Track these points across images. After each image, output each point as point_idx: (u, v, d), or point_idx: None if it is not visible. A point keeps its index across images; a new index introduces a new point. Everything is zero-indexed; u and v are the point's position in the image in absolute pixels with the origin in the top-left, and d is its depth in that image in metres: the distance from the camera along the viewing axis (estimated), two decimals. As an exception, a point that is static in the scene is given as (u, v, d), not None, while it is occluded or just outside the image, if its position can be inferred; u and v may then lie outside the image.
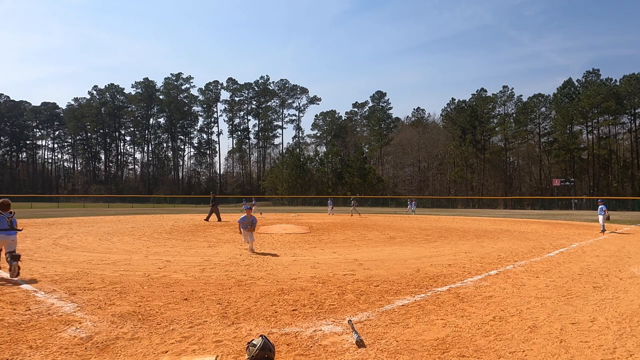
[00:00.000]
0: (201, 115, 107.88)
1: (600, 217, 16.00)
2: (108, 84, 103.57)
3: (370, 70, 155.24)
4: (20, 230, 6.89)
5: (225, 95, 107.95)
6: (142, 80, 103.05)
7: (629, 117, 74.64)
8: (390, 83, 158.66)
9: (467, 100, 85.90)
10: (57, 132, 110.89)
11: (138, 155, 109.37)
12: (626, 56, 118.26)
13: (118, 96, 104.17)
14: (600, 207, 16.08)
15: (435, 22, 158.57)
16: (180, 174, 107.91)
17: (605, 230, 15.87)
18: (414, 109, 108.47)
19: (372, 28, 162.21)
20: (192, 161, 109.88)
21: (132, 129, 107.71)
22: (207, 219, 22.00)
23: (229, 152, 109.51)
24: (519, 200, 68.03)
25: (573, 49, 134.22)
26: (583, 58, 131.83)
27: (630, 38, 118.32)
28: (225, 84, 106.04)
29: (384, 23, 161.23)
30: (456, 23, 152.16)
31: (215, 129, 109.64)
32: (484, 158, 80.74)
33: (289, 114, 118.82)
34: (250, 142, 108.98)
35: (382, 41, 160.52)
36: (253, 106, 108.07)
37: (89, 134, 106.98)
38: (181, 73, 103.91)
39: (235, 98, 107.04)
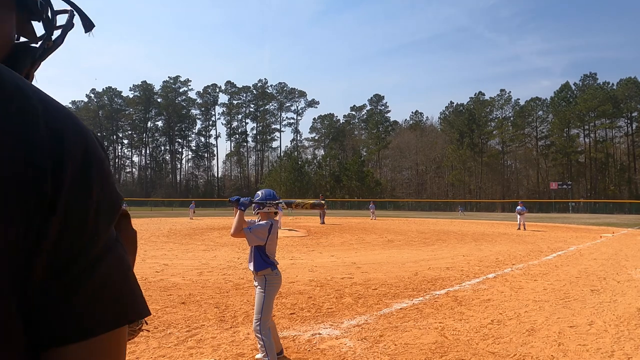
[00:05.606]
0: (199, 119, 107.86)
1: (519, 217, 17.79)
2: (106, 87, 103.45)
3: (368, 73, 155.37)
4: None
5: (223, 98, 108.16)
6: (140, 83, 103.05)
7: (626, 120, 75.08)
8: (389, 86, 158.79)
9: (465, 103, 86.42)
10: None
11: (135, 159, 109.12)
12: (623, 60, 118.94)
13: (116, 99, 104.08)
14: (518, 207, 18.09)
15: (433, 21, 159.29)
16: (178, 177, 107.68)
17: (520, 229, 16.97)
18: (412, 112, 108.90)
19: (366, 28, 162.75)
20: (190, 164, 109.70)
21: (129, 132, 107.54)
22: None
23: (227, 155, 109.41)
24: (517, 204, 68.04)
25: (573, 48, 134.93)
26: (582, 59, 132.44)
27: (627, 42, 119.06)
28: (223, 87, 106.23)
29: (379, 22, 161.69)
30: (456, 22, 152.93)
31: (213, 132, 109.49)
32: (482, 161, 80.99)
33: (287, 117, 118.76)
34: (248, 145, 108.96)
35: (377, 42, 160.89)
36: (251, 109, 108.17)
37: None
38: (179, 76, 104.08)
39: (234, 101, 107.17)
